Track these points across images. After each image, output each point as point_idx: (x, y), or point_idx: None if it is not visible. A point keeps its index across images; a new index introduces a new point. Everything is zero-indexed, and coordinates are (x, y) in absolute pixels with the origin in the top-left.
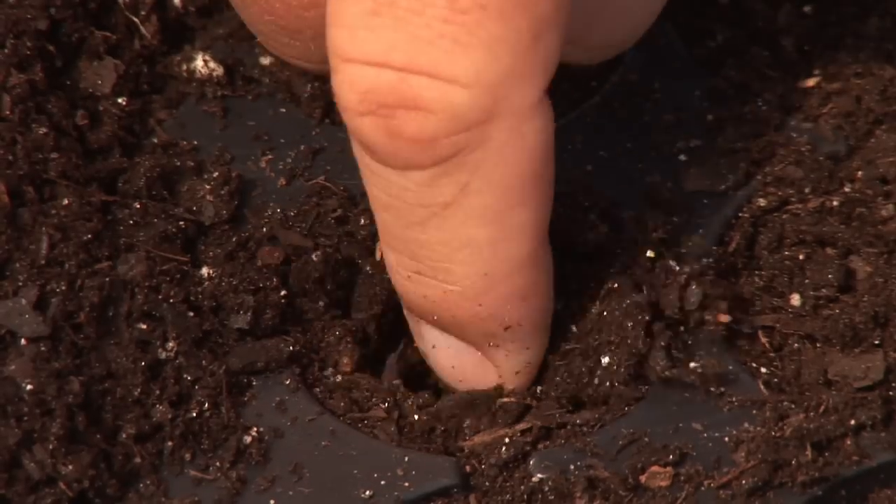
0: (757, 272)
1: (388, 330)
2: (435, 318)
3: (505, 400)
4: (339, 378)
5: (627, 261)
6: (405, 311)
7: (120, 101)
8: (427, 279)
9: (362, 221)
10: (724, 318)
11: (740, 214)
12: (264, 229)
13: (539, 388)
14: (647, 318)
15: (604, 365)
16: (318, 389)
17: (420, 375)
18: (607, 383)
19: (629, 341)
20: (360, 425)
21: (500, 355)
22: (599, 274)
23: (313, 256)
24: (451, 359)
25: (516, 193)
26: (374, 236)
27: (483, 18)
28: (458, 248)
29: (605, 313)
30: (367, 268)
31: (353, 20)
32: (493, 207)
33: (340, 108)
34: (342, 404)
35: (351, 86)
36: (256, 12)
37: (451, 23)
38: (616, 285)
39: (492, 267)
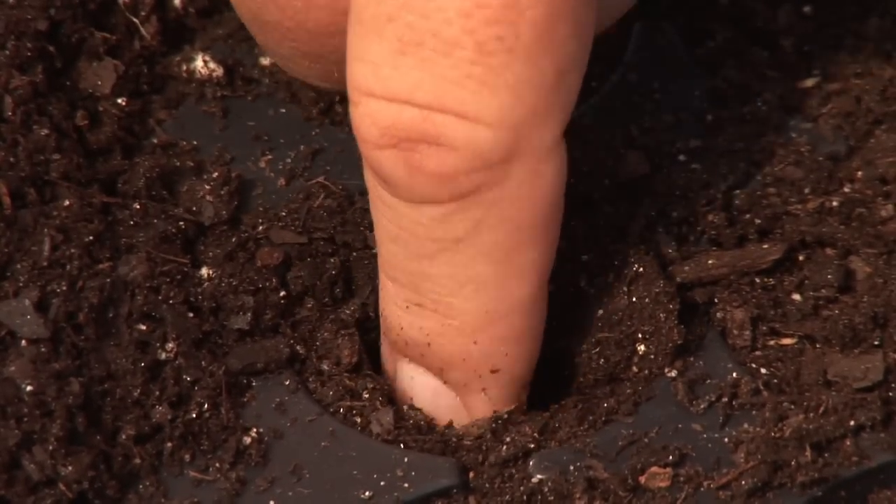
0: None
1: None
2: (423, 354)
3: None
4: (338, 374)
5: (648, 237)
6: (383, 347)
7: (120, 101)
8: (427, 311)
9: (358, 216)
10: None
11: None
12: (262, 229)
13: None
14: (677, 307)
15: (641, 353)
16: (316, 387)
17: None
18: (646, 371)
19: (664, 332)
20: (357, 420)
21: (479, 401)
22: (622, 252)
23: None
24: (427, 399)
25: (527, 233)
26: (369, 225)
27: (510, 60)
28: (464, 283)
29: (634, 300)
30: (360, 251)
31: (378, 58)
32: (503, 246)
33: (359, 140)
34: (339, 400)
35: (372, 120)
36: (277, 38)
37: (477, 64)
38: (642, 269)
39: (494, 304)
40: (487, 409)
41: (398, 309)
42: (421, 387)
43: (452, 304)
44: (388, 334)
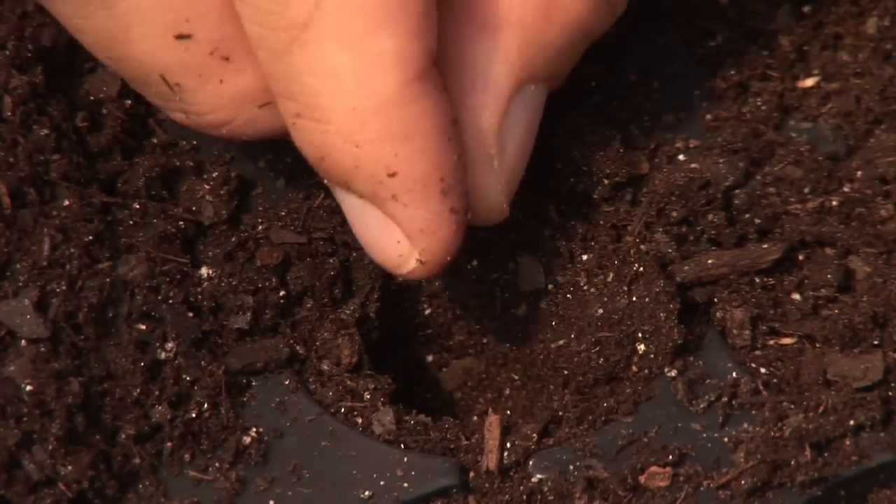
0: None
1: (387, 314)
2: (326, 171)
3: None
4: (339, 374)
5: (648, 237)
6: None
7: (126, 102)
8: (306, 121)
9: None
10: None
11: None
12: (262, 229)
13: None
14: (678, 306)
15: (640, 353)
16: (316, 387)
17: (423, 373)
18: (646, 371)
19: (664, 331)
20: (358, 420)
21: (398, 208)
22: (622, 252)
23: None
24: (358, 221)
25: (374, 17)
26: None
27: None
28: (325, 78)
29: (634, 299)
30: (359, 251)
31: None
32: (350, 30)
33: None
34: (340, 400)
35: None
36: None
37: None
38: (642, 269)
39: (360, 100)
40: (410, 217)
41: (290, 129)
42: (351, 207)
43: (322, 106)
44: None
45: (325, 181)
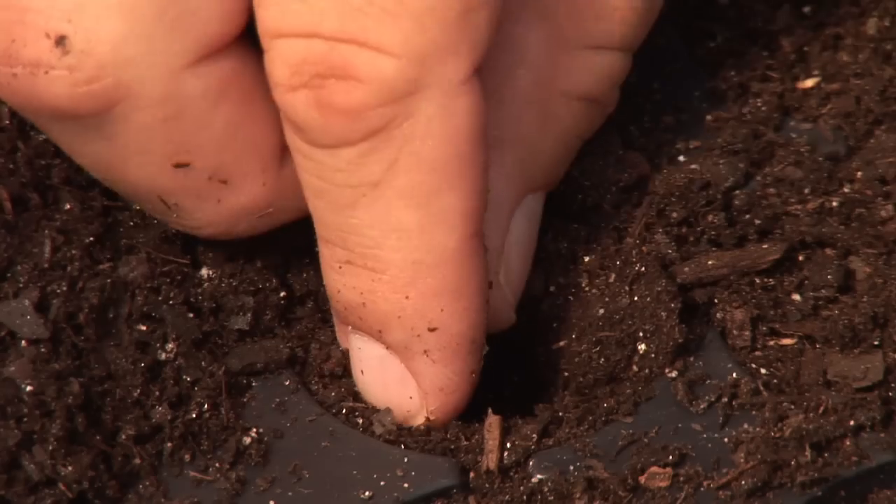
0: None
1: None
2: (361, 317)
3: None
4: (339, 376)
5: (648, 237)
6: (335, 322)
7: None
8: (357, 269)
9: None
10: None
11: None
12: None
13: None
14: (679, 306)
15: (641, 352)
16: (318, 388)
17: None
18: (647, 370)
19: (665, 330)
20: (359, 421)
21: (424, 364)
22: (623, 253)
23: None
24: (373, 371)
25: (445, 176)
26: None
27: None
28: (388, 232)
29: (636, 299)
30: None
31: None
32: (421, 189)
33: (272, 88)
34: (341, 401)
35: (283, 60)
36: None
37: None
38: (643, 269)
39: (421, 254)
40: (434, 374)
41: (333, 272)
42: (368, 356)
43: (379, 257)
44: (331, 303)
45: (349, 327)
